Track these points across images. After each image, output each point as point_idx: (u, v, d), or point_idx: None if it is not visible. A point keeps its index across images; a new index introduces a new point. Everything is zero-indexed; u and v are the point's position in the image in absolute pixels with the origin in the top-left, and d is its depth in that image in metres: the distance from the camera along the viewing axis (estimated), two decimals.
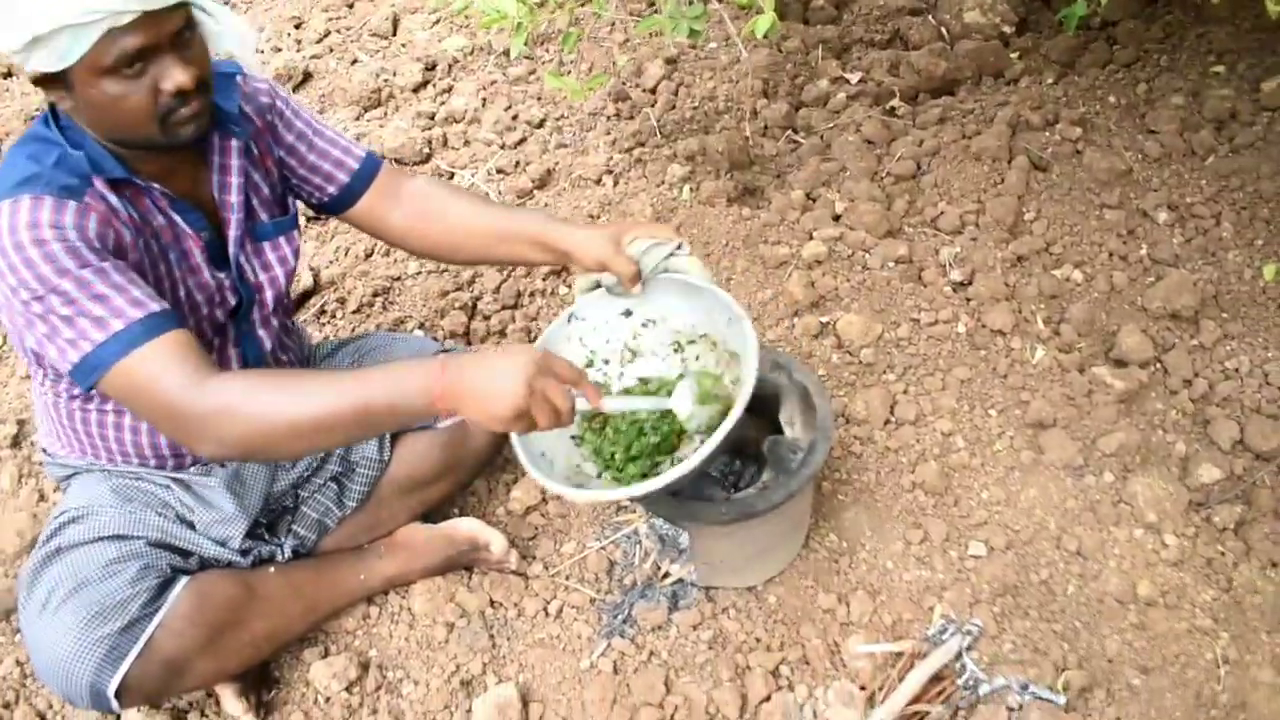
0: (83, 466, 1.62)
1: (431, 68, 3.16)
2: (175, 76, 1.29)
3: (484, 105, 2.96)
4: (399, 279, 2.47)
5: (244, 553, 1.63)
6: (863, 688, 1.64)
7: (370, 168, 1.66)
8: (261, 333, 1.64)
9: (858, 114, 2.70)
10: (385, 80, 3.08)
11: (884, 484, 1.90)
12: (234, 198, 1.52)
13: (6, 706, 1.73)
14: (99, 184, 1.35)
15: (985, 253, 2.23)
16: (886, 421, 1.99)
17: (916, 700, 1.65)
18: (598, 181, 2.60)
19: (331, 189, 1.64)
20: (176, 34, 1.29)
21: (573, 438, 1.64)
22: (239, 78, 1.54)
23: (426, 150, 2.78)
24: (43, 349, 1.32)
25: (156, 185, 1.42)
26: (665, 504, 1.62)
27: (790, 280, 2.25)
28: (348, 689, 1.69)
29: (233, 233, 1.53)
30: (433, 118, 2.92)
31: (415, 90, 3.07)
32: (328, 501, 1.74)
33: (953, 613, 1.70)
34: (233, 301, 1.56)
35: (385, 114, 3.01)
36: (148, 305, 1.28)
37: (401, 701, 1.68)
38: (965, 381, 2.03)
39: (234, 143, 1.51)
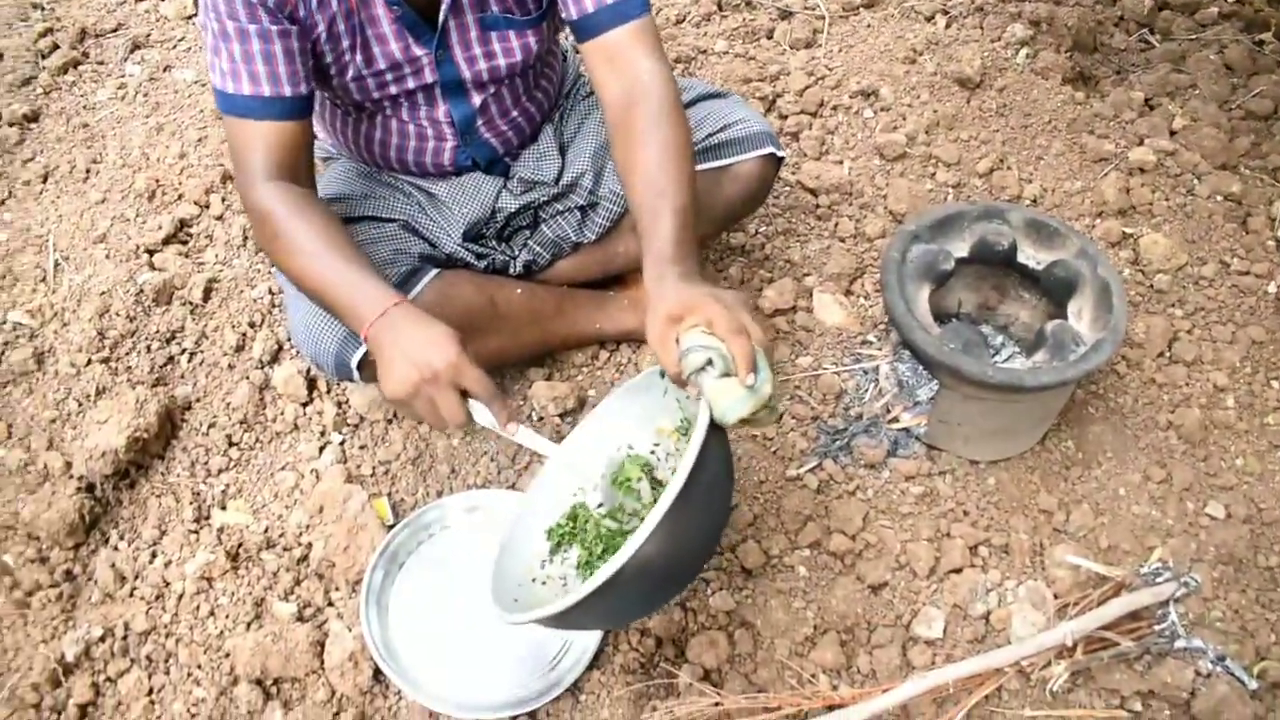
0: (335, 154, 1.69)
1: None
2: None
3: None
4: None
5: (479, 256, 1.63)
6: (1056, 596, 1.58)
7: (621, 12, 1.38)
8: (476, 100, 1.58)
9: (1225, 35, 2.46)
10: None
11: (1139, 413, 1.79)
12: None
13: (252, 325, 1.80)
14: None
15: None
16: (1161, 354, 1.87)
17: (1108, 628, 1.58)
18: (929, 18, 2.44)
19: (572, 9, 1.41)
20: None
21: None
22: None
23: None
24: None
25: None
26: (927, 349, 1.55)
27: (1105, 180, 2.10)
28: (562, 415, 1.70)
29: (441, 14, 1.45)
30: None
31: None
32: (568, 227, 1.72)
33: (1171, 560, 1.62)
34: (430, 78, 1.52)
35: None
36: (277, 87, 1.34)
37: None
38: (1257, 344, 1.88)
39: None
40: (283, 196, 1.35)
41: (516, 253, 1.70)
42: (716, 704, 1.42)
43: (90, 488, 1.62)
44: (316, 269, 1.30)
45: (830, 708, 1.44)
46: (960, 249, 1.73)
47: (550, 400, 1.68)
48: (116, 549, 1.59)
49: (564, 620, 1.19)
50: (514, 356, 1.68)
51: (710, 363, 1.12)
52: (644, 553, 1.07)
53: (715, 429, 1.16)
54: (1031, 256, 1.74)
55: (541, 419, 1.69)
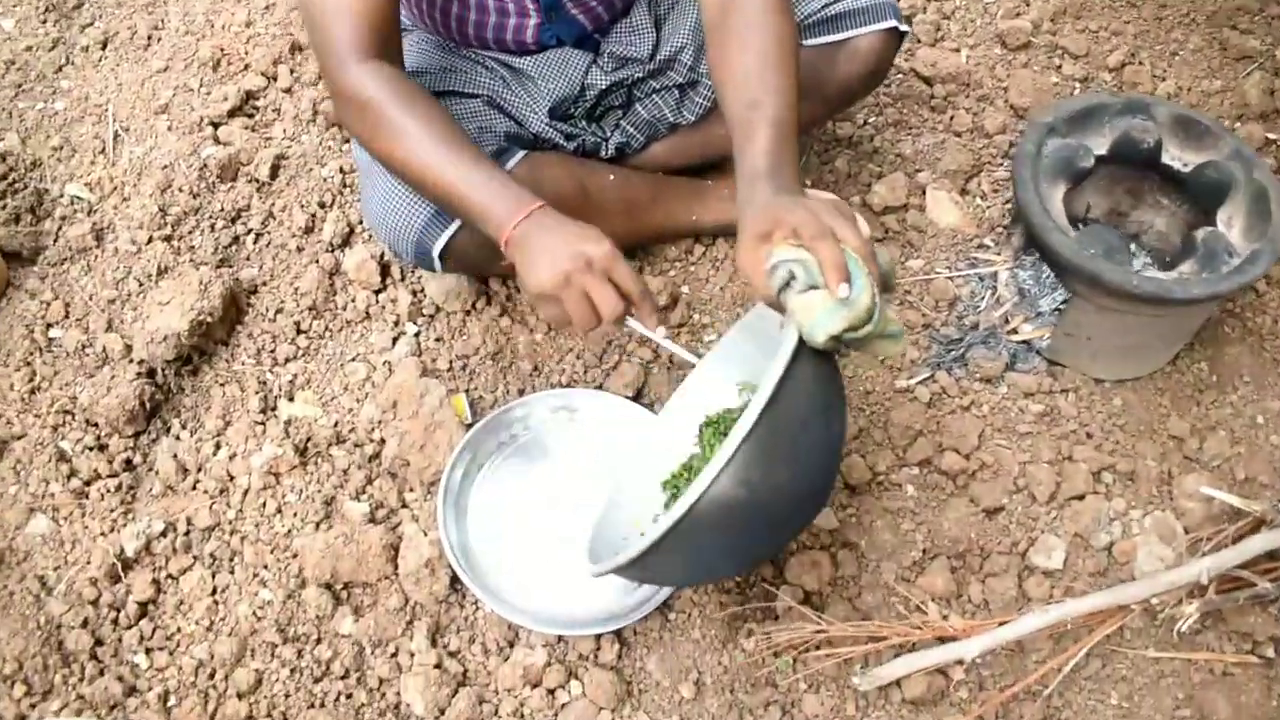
0: (410, 26, 1.52)
1: None
2: None
3: None
4: None
5: (568, 137, 1.48)
6: (1186, 530, 1.44)
7: None
8: None
9: None
10: None
11: (1279, 335, 1.63)
12: None
13: (322, 206, 1.68)
14: None
15: None
16: None
17: (1244, 567, 1.44)
18: None
19: None
20: None
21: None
22: None
23: None
24: None
25: None
26: (1064, 252, 1.41)
27: (1248, 80, 1.90)
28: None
29: None
30: None
31: None
32: (664, 107, 1.57)
33: None
34: None
35: None
36: None
37: (701, 347, 1.56)
38: None
39: None
40: (383, 80, 1.21)
41: (608, 134, 1.55)
42: (820, 631, 1.31)
43: (151, 373, 1.52)
44: (435, 165, 1.19)
45: (941, 639, 1.33)
46: (1099, 146, 1.56)
47: None
48: (178, 439, 1.50)
49: (647, 571, 1.11)
50: None
51: (793, 276, 0.99)
52: (717, 495, 0.96)
53: (815, 354, 1.03)
54: (1177, 157, 1.56)
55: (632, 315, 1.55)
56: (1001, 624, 1.32)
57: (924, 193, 1.75)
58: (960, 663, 1.31)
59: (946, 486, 1.47)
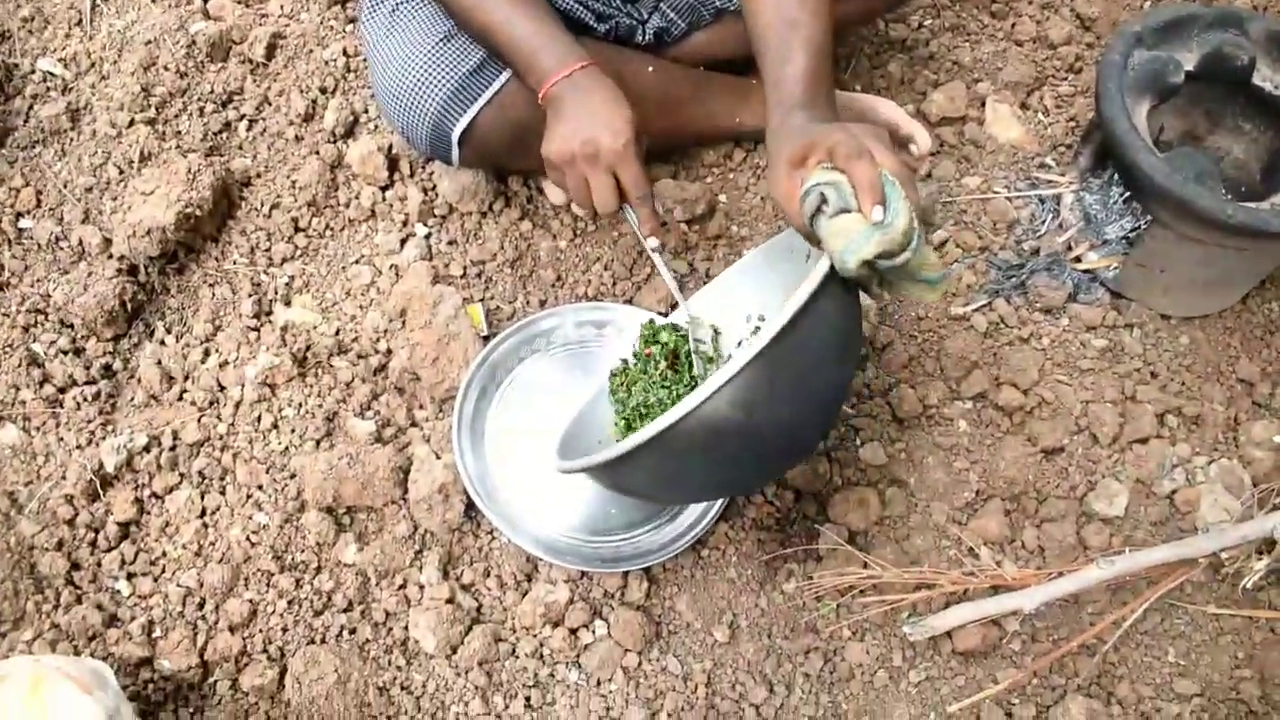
0: None
1: None
2: None
3: None
4: None
5: (600, 17, 1.33)
6: (1254, 482, 1.34)
7: None
8: None
9: None
10: None
11: None
12: None
13: (323, 91, 1.51)
14: None
15: None
16: None
17: None
18: None
19: None
20: None
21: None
22: None
23: None
24: None
25: None
26: (1155, 175, 1.27)
27: None
28: (689, 222, 1.45)
29: None
30: None
31: None
32: None
33: None
34: None
35: None
36: None
37: (732, 255, 1.42)
38: None
39: None
40: None
41: (645, 16, 1.39)
42: (869, 576, 1.20)
43: (133, 270, 1.37)
44: (493, 7, 1.14)
45: (994, 588, 1.22)
46: (1187, 61, 1.41)
47: (677, 203, 1.40)
48: (163, 344, 1.36)
49: (619, 478, 1.01)
50: None
51: (825, 200, 0.91)
52: (710, 413, 0.88)
53: (843, 288, 0.95)
54: (1269, 78, 1.42)
55: (665, 224, 1.42)
56: (1059, 575, 1.21)
57: (983, 105, 1.61)
58: (1016, 614, 1.21)
59: (1002, 423, 1.35)
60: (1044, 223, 1.52)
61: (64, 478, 1.24)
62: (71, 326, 1.36)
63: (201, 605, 1.17)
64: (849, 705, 1.18)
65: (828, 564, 1.23)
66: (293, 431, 1.26)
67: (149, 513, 1.23)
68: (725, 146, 1.52)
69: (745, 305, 1.22)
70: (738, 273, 1.24)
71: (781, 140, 1.00)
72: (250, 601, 1.16)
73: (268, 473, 1.23)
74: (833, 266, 0.91)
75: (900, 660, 1.20)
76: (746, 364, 0.87)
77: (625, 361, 1.21)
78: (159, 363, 1.33)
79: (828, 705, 1.17)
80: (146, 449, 1.25)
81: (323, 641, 1.15)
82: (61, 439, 1.28)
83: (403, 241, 1.42)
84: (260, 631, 1.15)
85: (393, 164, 1.45)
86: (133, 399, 1.32)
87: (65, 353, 1.34)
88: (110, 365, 1.35)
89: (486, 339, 1.31)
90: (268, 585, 1.18)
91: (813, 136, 0.95)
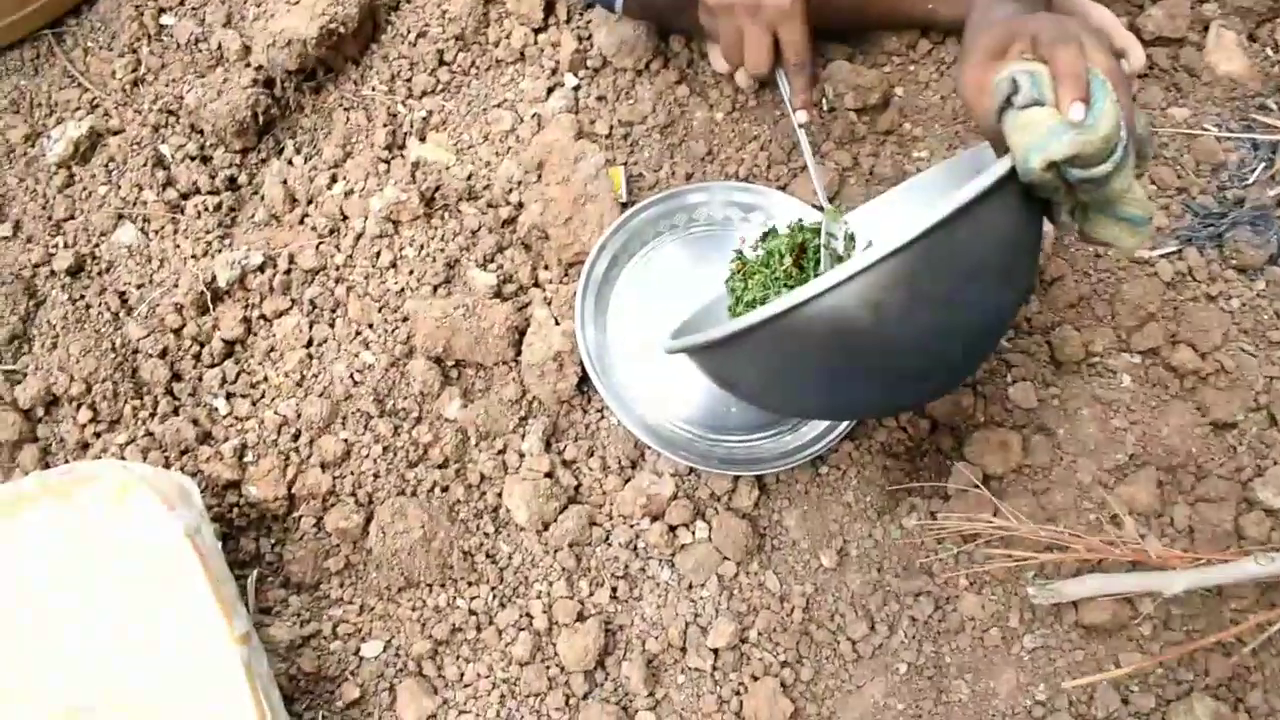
0: None
1: None
2: None
3: None
4: None
5: None
6: None
7: None
8: None
9: None
10: None
11: None
12: None
13: None
14: None
15: None
16: None
17: None
18: None
19: None
20: None
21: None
22: None
23: None
24: None
25: None
26: None
27: None
28: (859, 111, 1.31)
29: None
30: None
31: None
32: None
33: None
34: None
35: None
36: None
37: (907, 164, 1.30)
38: None
39: None
40: None
41: None
42: (1000, 527, 1.09)
43: (269, 83, 1.30)
44: None
45: (1134, 564, 1.10)
46: None
47: (850, 89, 1.27)
48: (291, 164, 1.29)
49: (723, 367, 0.91)
50: (816, 23, 1.25)
51: (1017, 89, 0.76)
52: (834, 305, 0.76)
53: (1022, 198, 0.80)
54: None
55: (833, 110, 1.29)
56: (1208, 561, 1.09)
57: (1206, 29, 1.42)
58: (1153, 596, 1.10)
59: (1172, 385, 1.22)
60: (1254, 171, 1.35)
61: (176, 285, 1.20)
62: (201, 133, 1.30)
63: (296, 437, 1.12)
64: (953, 659, 1.08)
65: (955, 505, 1.13)
66: (410, 273, 1.19)
67: (256, 334, 1.18)
68: (910, 35, 1.38)
69: (907, 228, 1.08)
70: (905, 190, 1.11)
71: (981, 30, 0.86)
72: (345, 441, 1.11)
73: (380, 312, 1.17)
74: (1013, 168, 0.77)
75: (1017, 622, 1.10)
76: (886, 256, 0.74)
77: (739, 253, 1.09)
78: (284, 182, 1.27)
79: (930, 655, 1.08)
80: (261, 268, 1.19)
81: (413, 494, 1.10)
82: (178, 246, 1.23)
83: (549, 90, 1.33)
84: (351, 474, 1.10)
85: (549, 5, 1.34)
86: (253, 215, 1.27)
87: (192, 159, 1.29)
88: (235, 178, 1.29)
89: (624, 206, 1.21)
90: (365, 428, 1.12)
91: (1016, 25, 0.81)
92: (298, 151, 1.31)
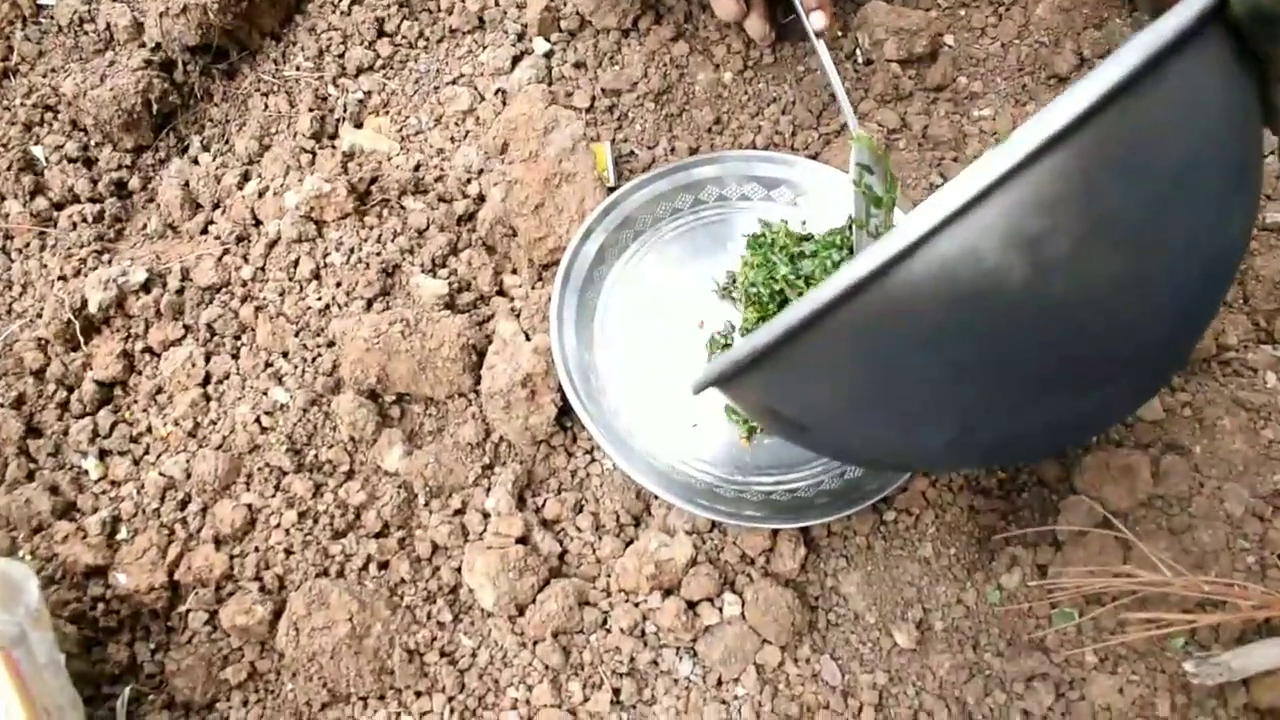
0: None
1: None
2: None
3: None
4: None
5: None
6: None
7: None
8: None
9: None
10: None
11: None
12: None
13: None
14: None
15: None
16: None
17: None
18: None
19: None
20: None
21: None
22: None
23: None
24: None
25: None
26: None
27: None
28: (903, 63, 1.03)
29: None
30: None
31: None
32: None
33: None
34: None
35: None
36: None
37: (965, 123, 1.01)
38: None
39: None
40: None
41: None
42: (1132, 579, 0.80)
43: (167, 65, 1.05)
44: None
45: None
46: None
47: (891, 35, 1.01)
48: (196, 162, 1.03)
49: (768, 397, 0.58)
50: None
51: None
52: (960, 252, 0.45)
53: (1233, 47, 0.49)
54: None
55: (870, 62, 1.02)
56: None
57: None
58: None
59: None
60: None
61: (39, 316, 0.92)
62: (84, 130, 1.04)
63: (184, 504, 0.84)
64: None
65: (1070, 554, 0.83)
66: (338, 284, 0.91)
67: (139, 372, 0.91)
68: None
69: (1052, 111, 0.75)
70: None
71: None
72: (249, 507, 0.83)
73: (297, 335, 0.89)
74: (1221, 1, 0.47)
75: (1168, 709, 0.80)
76: (1038, 150, 0.44)
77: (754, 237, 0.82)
78: (186, 185, 1.00)
79: None
80: (145, 288, 0.92)
81: (339, 575, 0.81)
82: (45, 266, 0.96)
83: (515, 59, 1.06)
84: (256, 550, 0.82)
85: None
86: (144, 226, 1.00)
87: (71, 160, 1.02)
88: (124, 182, 1.03)
89: (612, 190, 0.93)
90: (275, 488, 0.84)
91: None
92: (205, 148, 1.04)
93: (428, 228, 0.95)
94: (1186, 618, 0.81)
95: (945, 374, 0.51)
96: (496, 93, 1.05)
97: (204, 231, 0.99)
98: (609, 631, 0.82)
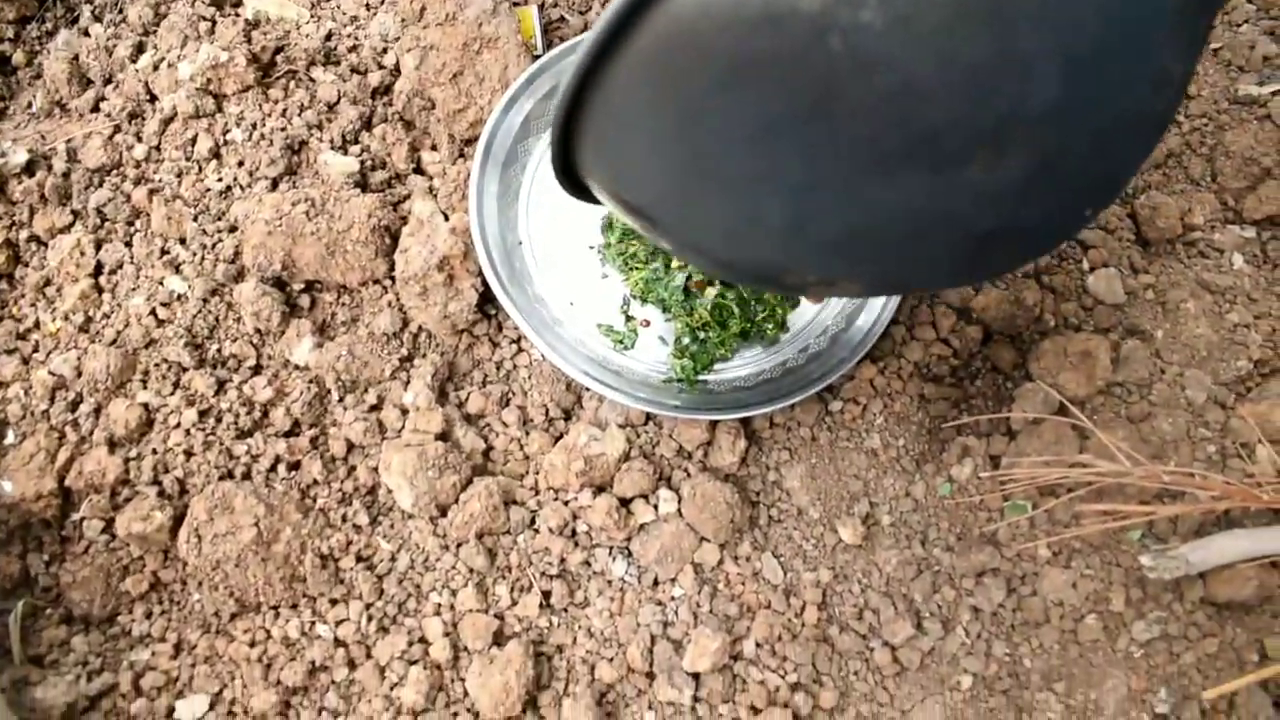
0: None
1: None
2: None
3: None
4: None
5: None
6: None
7: None
8: None
9: None
10: None
11: None
12: None
13: None
14: None
15: None
16: None
17: None
18: None
19: None
20: None
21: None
22: None
23: None
24: None
25: None
26: None
27: None
28: None
29: None
30: None
31: None
32: None
33: None
34: None
35: None
36: None
37: None
38: None
39: None
40: None
41: None
42: (1089, 470, 0.76)
43: None
44: None
45: (1277, 511, 0.78)
46: None
47: None
48: (87, 33, 0.94)
49: (597, 175, 0.52)
50: None
51: None
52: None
53: None
54: None
55: None
56: None
57: None
58: None
59: None
60: None
61: None
62: None
63: (75, 405, 0.77)
64: (1035, 663, 0.75)
65: (1025, 444, 0.79)
66: (240, 164, 0.83)
67: (24, 263, 0.83)
68: None
69: None
70: None
71: None
72: (145, 407, 0.76)
73: (195, 220, 0.82)
74: None
75: (1123, 603, 0.77)
76: None
77: None
78: (75, 58, 0.91)
79: (1004, 659, 0.75)
80: (29, 170, 0.84)
81: (245, 478, 0.75)
82: None
83: None
84: (154, 453, 0.75)
85: None
86: (30, 104, 0.91)
87: None
88: (6, 56, 0.93)
89: (538, 58, 0.85)
90: (174, 385, 0.77)
91: None
92: (96, 18, 0.95)
93: (338, 101, 0.87)
94: (1144, 509, 0.77)
95: (757, 125, 0.42)
96: None
97: (95, 109, 0.90)
98: (537, 532, 0.77)
